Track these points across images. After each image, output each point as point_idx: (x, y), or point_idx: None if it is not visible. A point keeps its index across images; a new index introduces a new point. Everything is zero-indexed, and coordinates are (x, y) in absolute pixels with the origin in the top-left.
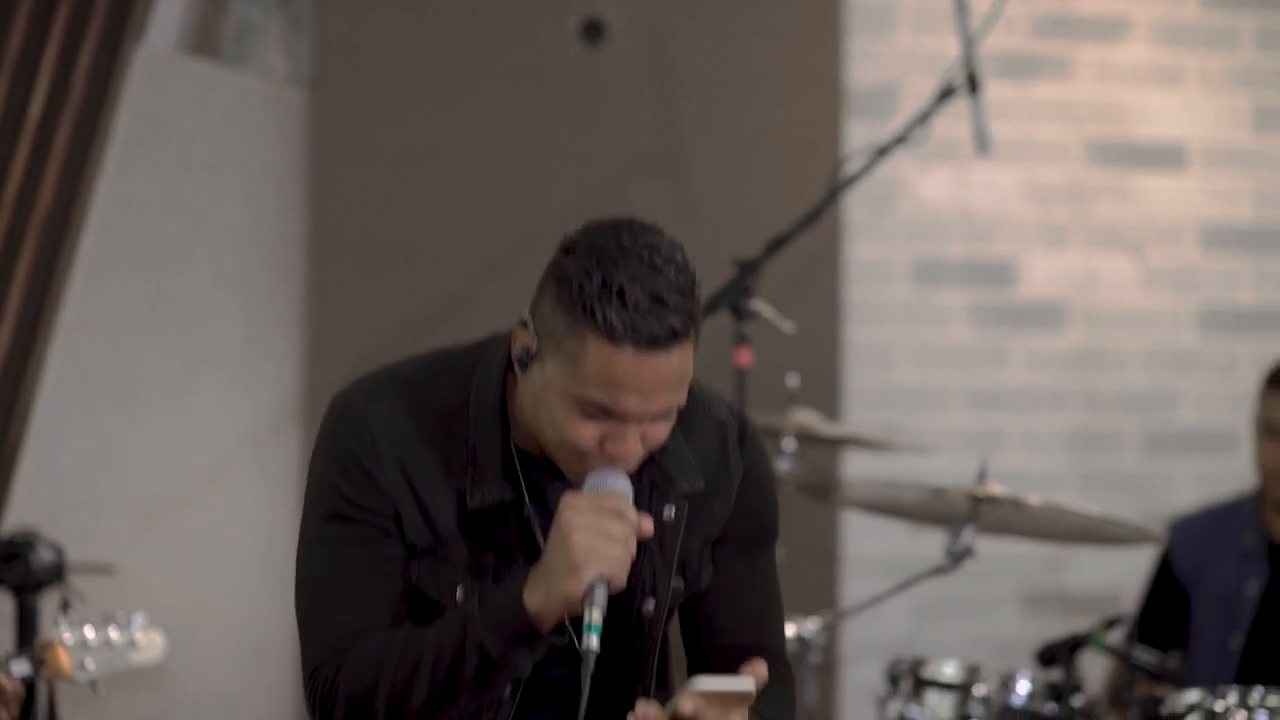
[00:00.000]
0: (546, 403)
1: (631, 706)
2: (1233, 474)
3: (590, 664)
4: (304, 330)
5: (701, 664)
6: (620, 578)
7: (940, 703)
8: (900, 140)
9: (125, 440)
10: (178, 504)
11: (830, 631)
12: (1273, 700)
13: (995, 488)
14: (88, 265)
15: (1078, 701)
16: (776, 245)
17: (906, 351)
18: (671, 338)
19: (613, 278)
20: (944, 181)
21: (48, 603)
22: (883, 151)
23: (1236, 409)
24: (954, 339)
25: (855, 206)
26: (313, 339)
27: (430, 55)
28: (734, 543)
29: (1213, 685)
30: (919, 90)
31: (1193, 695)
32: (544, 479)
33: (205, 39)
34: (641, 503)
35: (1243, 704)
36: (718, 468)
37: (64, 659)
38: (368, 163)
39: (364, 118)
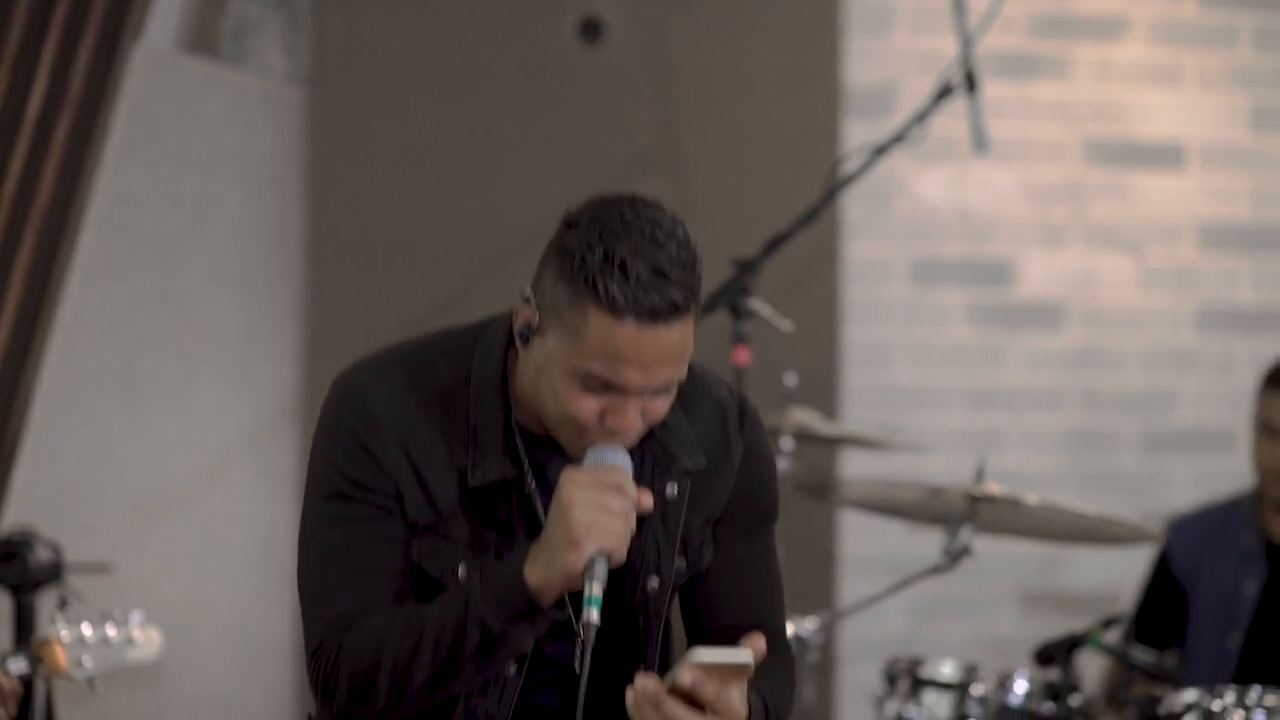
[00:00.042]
0: (548, 376)
1: None
2: (1231, 474)
3: (591, 637)
4: (302, 328)
5: (702, 645)
6: (620, 552)
7: (938, 702)
8: (898, 139)
9: (124, 438)
10: (176, 502)
11: (828, 631)
12: (1270, 700)
13: (993, 487)
14: (86, 263)
15: (1075, 701)
16: (775, 244)
17: (904, 351)
18: (673, 311)
19: (615, 251)
20: (942, 181)
21: (45, 602)
22: (881, 151)
23: (1235, 408)
24: (952, 338)
25: (853, 206)
26: (311, 337)
27: (428, 54)
28: (734, 523)
29: (1210, 685)
30: (917, 90)
31: (1190, 695)
32: (545, 456)
33: (204, 37)
34: (644, 479)
35: (1240, 704)
36: (718, 447)
37: (61, 656)
38: (366, 161)
39: (362, 116)
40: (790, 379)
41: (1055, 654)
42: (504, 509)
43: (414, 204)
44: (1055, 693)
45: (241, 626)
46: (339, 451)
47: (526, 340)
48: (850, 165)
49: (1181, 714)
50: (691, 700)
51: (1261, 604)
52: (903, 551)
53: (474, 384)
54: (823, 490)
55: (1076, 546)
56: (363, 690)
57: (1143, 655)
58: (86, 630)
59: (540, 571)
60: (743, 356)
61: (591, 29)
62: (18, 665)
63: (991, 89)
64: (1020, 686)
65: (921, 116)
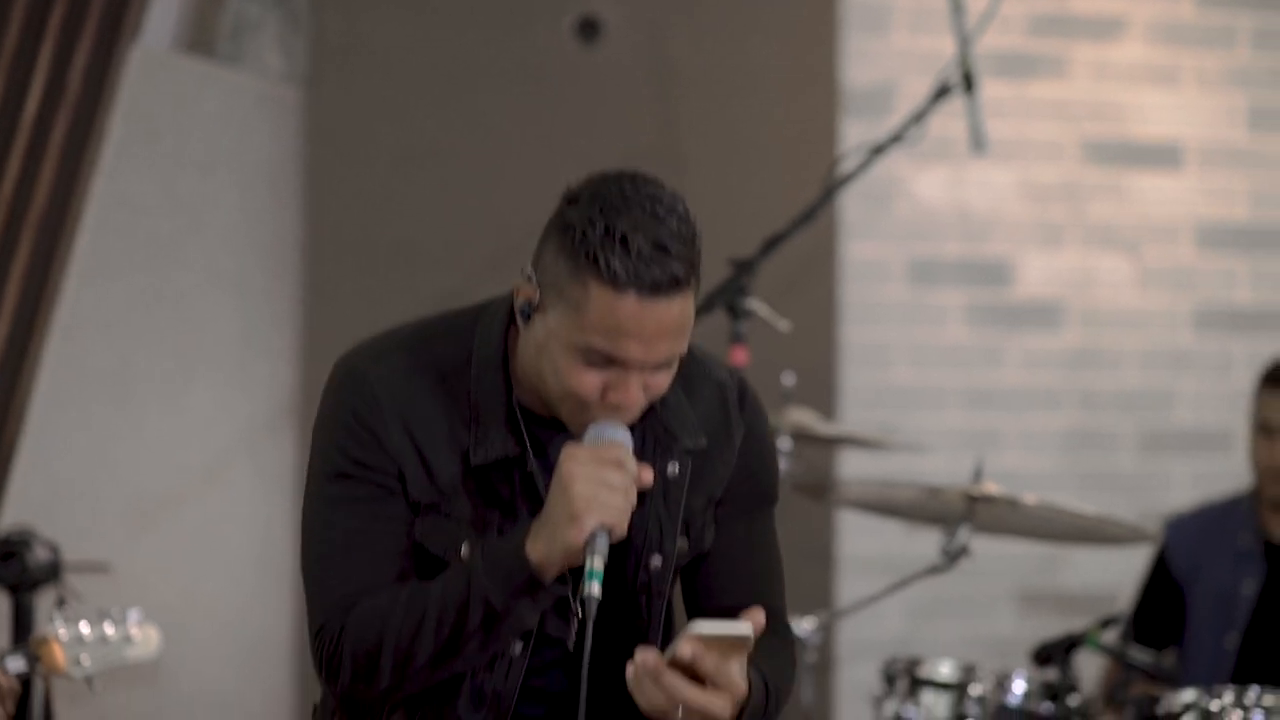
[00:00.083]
0: (549, 353)
1: None
2: (1229, 474)
3: (592, 610)
4: (299, 329)
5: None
6: (621, 526)
7: (936, 702)
8: (896, 139)
9: (121, 439)
10: (173, 502)
11: (826, 631)
12: (1268, 700)
13: (991, 487)
14: (83, 264)
15: (1073, 701)
16: (772, 244)
17: (902, 351)
18: (674, 285)
19: (616, 225)
20: (940, 181)
21: (44, 601)
22: (878, 150)
23: (1233, 408)
24: (950, 338)
25: (851, 206)
26: (308, 338)
27: (426, 54)
28: (734, 504)
29: (1208, 684)
30: (915, 89)
31: (1188, 695)
32: (546, 435)
33: (201, 37)
34: (645, 458)
35: (1238, 703)
36: (719, 427)
37: (59, 655)
38: (363, 161)
39: (360, 116)
40: (788, 379)
41: (1053, 654)
42: (506, 487)
43: (412, 204)
44: (1053, 693)
45: (238, 626)
46: (341, 432)
47: (528, 318)
48: (848, 165)
49: (1180, 714)
50: (691, 674)
51: (1260, 604)
52: (901, 551)
53: (475, 363)
54: (821, 490)
55: (1074, 546)
56: (366, 669)
57: (1141, 655)
58: (84, 629)
59: (542, 547)
60: (740, 356)
61: (590, 29)
62: (16, 664)
63: (989, 89)
64: (1018, 686)
65: (919, 116)
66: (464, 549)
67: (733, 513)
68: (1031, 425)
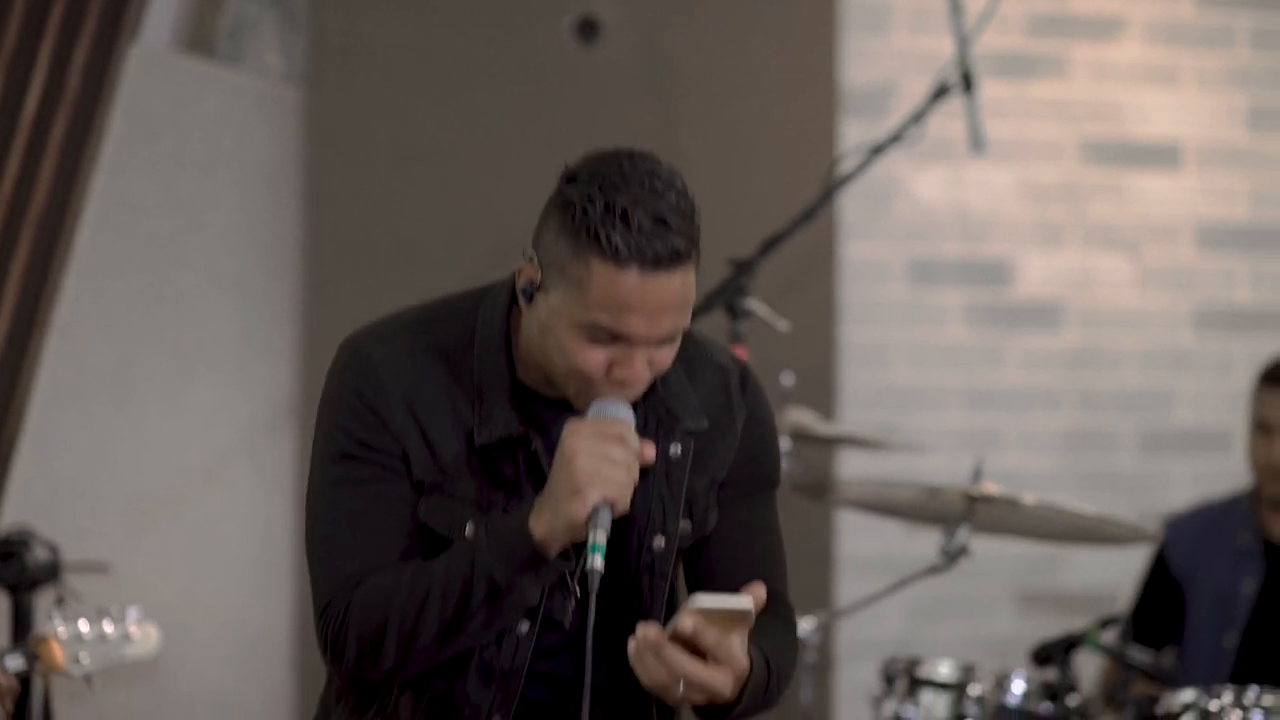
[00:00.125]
0: (554, 332)
1: None
2: (1229, 474)
3: (595, 583)
4: (299, 328)
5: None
6: (623, 501)
7: (935, 702)
8: (895, 139)
9: (120, 438)
10: (173, 502)
11: (825, 631)
12: (1268, 700)
13: (991, 487)
14: (83, 263)
15: (1073, 701)
16: (771, 244)
17: (902, 351)
18: (675, 258)
19: (615, 201)
20: (939, 181)
21: (43, 601)
22: (878, 150)
23: (1232, 408)
24: (949, 338)
25: (850, 206)
26: (308, 337)
27: (426, 53)
28: (736, 487)
29: (1207, 684)
30: (914, 89)
31: (1188, 695)
32: (549, 414)
33: (200, 36)
34: (647, 438)
35: (1238, 703)
36: (721, 410)
37: (58, 653)
38: (363, 161)
39: (359, 115)
40: (787, 379)
41: (1053, 654)
42: (510, 467)
43: (411, 204)
44: (1053, 693)
45: (238, 625)
46: (345, 413)
47: (530, 298)
48: (847, 165)
49: (1179, 714)
50: (693, 648)
51: (1259, 603)
52: (900, 551)
53: (478, 344)
54: (820, 490)
55: (1074, 546)
56: (371, 648)
57: (1140, 655)
58: (83, 627)
59: (545, 522)
60: (740, 356)
61: (589, 29)
62: (14, 663)
63: (989, 89)
64: (1018, 686)
65: (919, 116)
66: (468, 528)
67: (734, 496)
68: (1031, 425)
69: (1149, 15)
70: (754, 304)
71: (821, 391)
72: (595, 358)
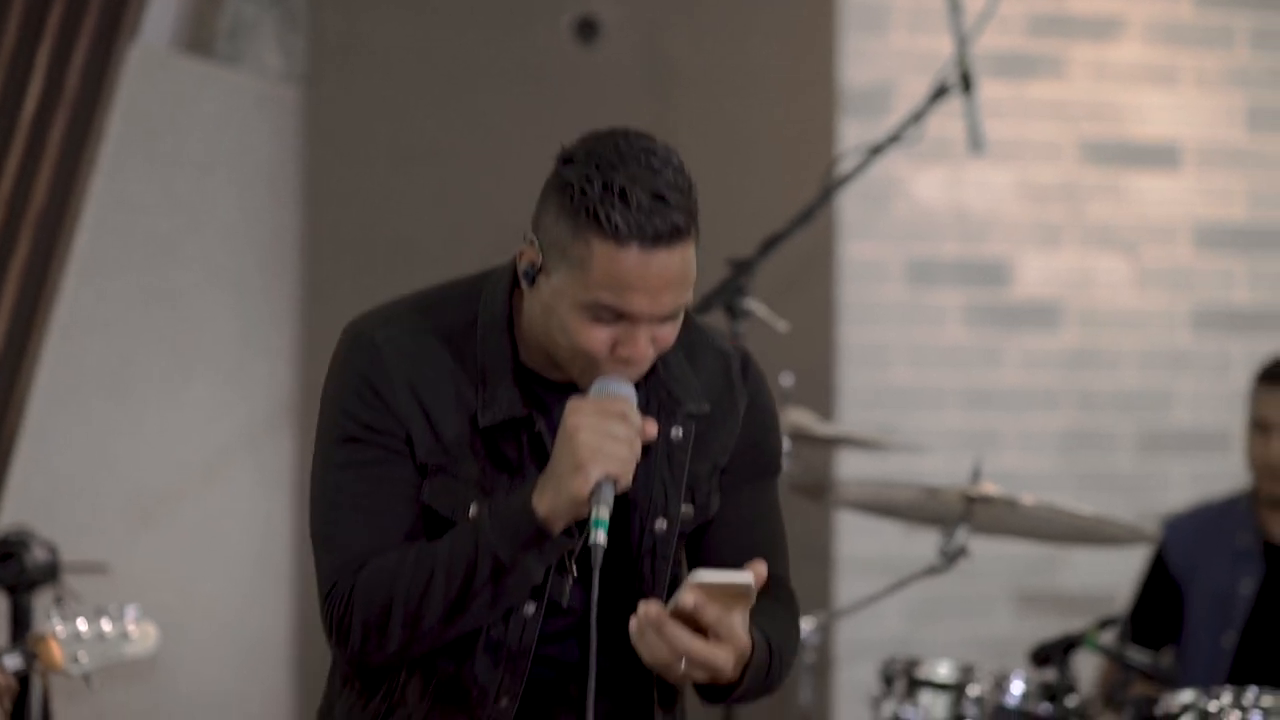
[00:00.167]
0: (557, 313)
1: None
2: (1227, 474)
3: (598, 558)
4: (298, 328)
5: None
6: (626, 477)
7: (934, 703)
8: (894, 139)
9: (119, 438)
10: (172, 501)
11: (824, 631)
12: (1267, 700)
13: (989, 487)
14: (82, 262)
15: (1072, 702)
16: (771, 244)
17: (901, 351)
18: (675, 234)
19: (613, 180)
20: (938, 181)
21: (42, 601)
22: (877, 151)
23: (1231, 409)
24: (948, 339)
25: (850, 206)
26: (307, 337)
27: (425, 53)
28: (738, 474)
29: (1206, 683)
30: (913, 89)
31: (1187, 695)
32: (553, 396)
33: (199, 36)
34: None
35: (1237, 704)
36: (722, 395)
37: (56, 652)
38: (362, 160)
39: (358, 115)
40: (786, 379)
41: (1052, 654)
42: (514, 448)
43: (410, 203)
44: (1052, 693)
45: (237, 625)
46: (349, 395)
47: (532, 281)
48: (846, 165)
49: (1178, 714)
50: (695, 627)
51: (1257, 603)
52: (899, 552)
53: (480, 327)
54: (819, 491)
55: (1073, 547)
56: (377, 629)
57: (1139, 656)
58: (82, 626)
59: (548, 499)
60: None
61: (588, 28)
62: (13, 662)
63: (988, 89)
64: (1017, 687)
65: (918, 116)
66: (472, 510)
67: (736, 482)
68: (1030, 425)
69: (1148, 15)
70: (753, 304)
71: (820, 392)
72: (599, 337)
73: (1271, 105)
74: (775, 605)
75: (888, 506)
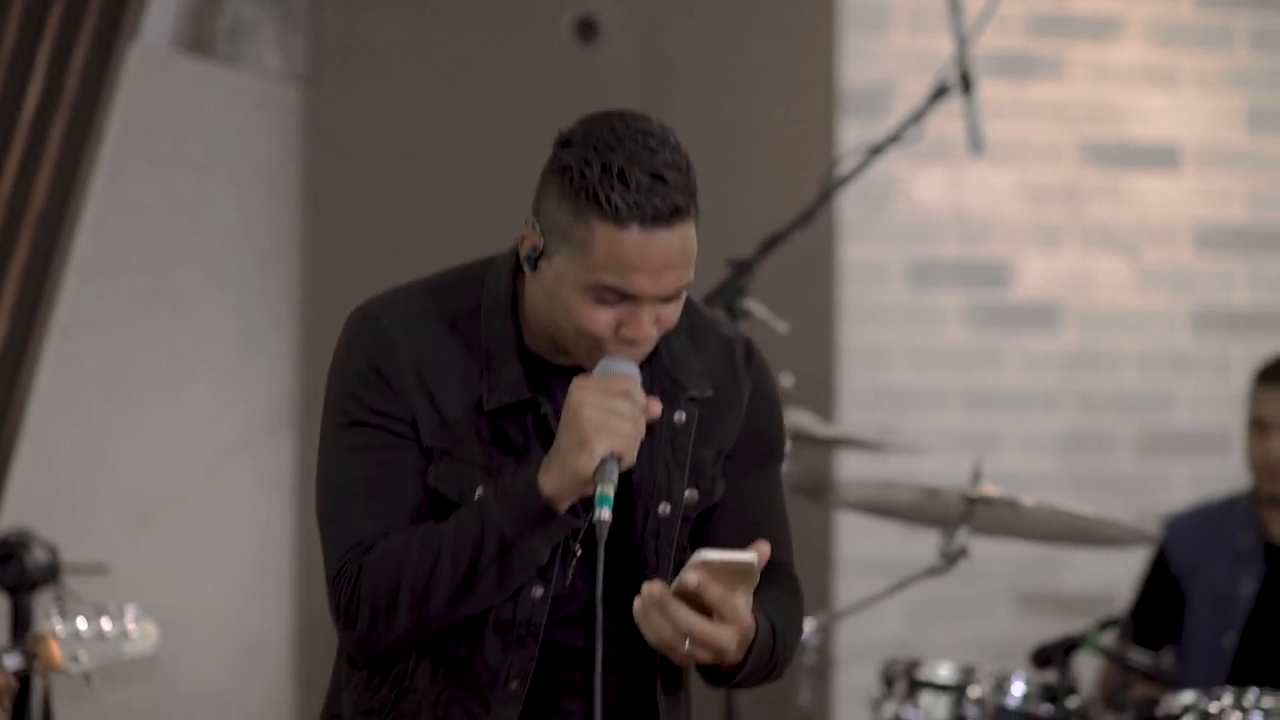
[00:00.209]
0: (560, 297)
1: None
2: (1228, 475)
3: (603, 534)
4: (299, 329)
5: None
6: (630, 454)
7: (935, 704)
8: (894, 140)
9: (120, 439)
10: (173, 502)
11: (825, 633)
12: (1268, 701)
13: (990, 489)
14: (82, 263)
15: (1073, 703)
16: (770, 245)
17: (901, 352)
18: (675, 213)
19: (612, 162)
20: (938, 182)
21: (43, 603)
22: (877, 151)
23: (1231, 410)
24: (949, 340)
25: (849, 207)
26: (307, 337)
27: (425, 53)
28: (742, 460)
29: (1206, 683)
30: (913, 90)
31: (1187, 697)
32: (557, 380)
33: (199, 36)
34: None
35: (1238, 705)
36: (726, 380)
37: (56, 652)
38: (362, 160)
39: (359, 115)
40: (787, 380)
41: (1052, 656)
42: (519, 432)
43: (411, 204)
44: (1052, 694)
45: (237, 626)
46: (355, 379)
47: (534, 265)
48: (846, 166)
49: (1179, 716)
50: (698, 607)
51: (1258, 604)
52: (900, 553)
53: (485, 312)
54: (819, 492)
55: (1073, 548)
56: (385, 612)
57: (1140, 657)
58: (81, 625)
59: (553, 477)
60: None
61: (588, 29)
62: (13, 661)
63: (988, 89)
64: (1017, 688)
65: (917, 117)
66: (478, 493)
67: (739, 469)
68: (1030, 427)
69: (1148, 16)
70: (753, 305)
71: (820, 393)
72: (602, 318)
73: (1272, 106)
74: (779, 591)
75: (888, 508)
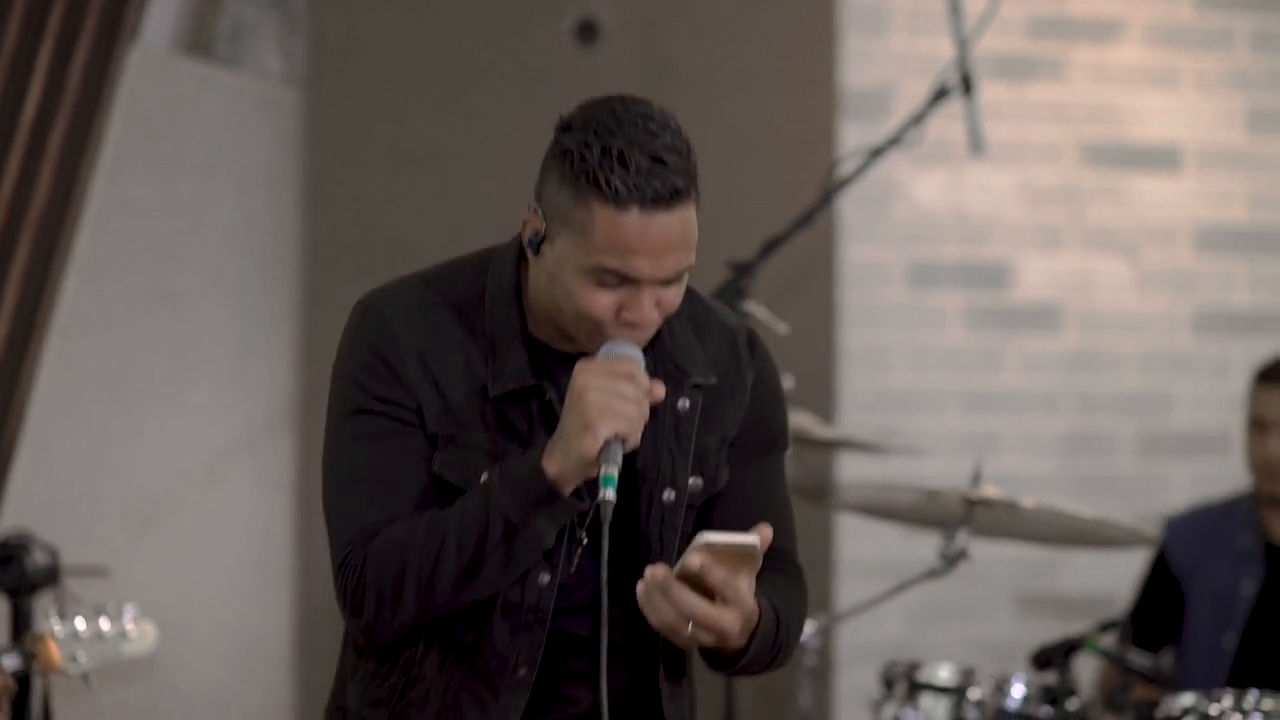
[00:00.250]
0: (561, 280)
1: None
2: (1228, 476)
3: (608, 514)
4: (299, 330)
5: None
6: (634, 436)
7: (935, 706)
8: (895, 142)
9: (120, 441)
10: (173, 505)
11: (825, 635)
12: (1268, 704)
13: (990, 490)
14: (82, 265)
15: (1073, 705)
16: (771, 247)
17: (901, 354)
18: (675, 195)
19: (611, 145)
20: (938, 183)
21: (42, 605)
22: (877, 153)
23: (1231, 411)
24: (949, 341)
25: (850, 208)
26: (307, 339)
27: (425, 55)
28: (745, 448)
29: (1206, 684)
30: (913, 92)
31: (1188, 699)
32: (561, 367)
33: (199, 38)
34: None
35: (1238, 708)
36: (729, 368)
37: (55, 652)
38: (363, 163)
39: (359, 117)
40: (787, 382)
41: (1053, 658)
42: (524, 418)
43: (411, 206)
44: (1052, 696)
45: (237, 628)
46: (359, 368)
47: (537, 249)
48: (847, 168)
49: (1179, 718)
50: (701, 589)
51: (1258, 604)
52: (900, 555)
53: (489, 299)
54: (820, 494)
55: (1073, 550)
56: (391, 598)
57: (1140, 659)
58: (80, 625)
59: (558, 459)
60: None
61: (588, 31)
62: (11, 662)
63: (988, 91)
64: (1017, 690)
65: (918, 119)
66: (484, 479)
67: (743, 456)
68: (1030, 428)
69: (1148, 17)
70: (753, 307)
71: (821, 395)
72: (603, 301)
73: (1272, 107)
74: (783, 579)
75: (888, 509)
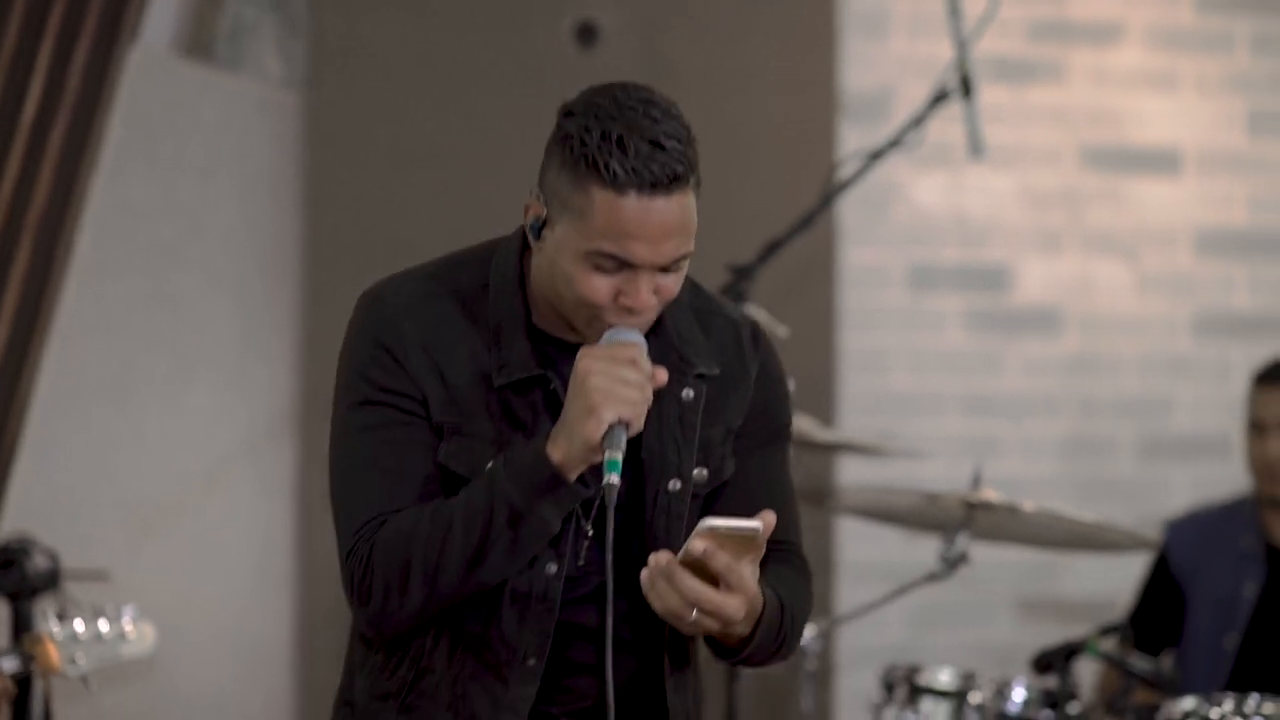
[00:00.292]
0: (560, 264)
1: None
2: (1228, 479)
3: (612, 499)
4: (299, 333)
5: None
6: (638, 421)
7: (935, 710)
8: (894, 144)
9: (120, 444)
10: (173, 508)
11: (825, 638)
12: (1268, 708)
13: (990, 494)
14: (83, 267)
15: (1073, 708)
16: (771, 250)
17: (901, 357)
18: (673, 180)
19: (611, 130)
20: (938, 186)
21: (42, 608)
22: (877, 156)
23: (1231, 414)
24: (949, 344)
25: (849, 211)
26: (308, 341)
27: (425, 57)
28: (749, 439)
29: (1207, 686)
30: (913, 94)
31: (1188, 702)
32: (565, 357)
33: (199, 40)
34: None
35: (1238, 711)
36: (733, 359)
37: (54, 654)
38: (363, 165)
39: (359, 119)
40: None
41: (1053, 661)
42: (528, 408)
43: (411, 207)
44: (1053, 700)
45: (237, 631)
46: (364, 359)
47: (538, 234)
48: (846, 170)
49: None
50: (705, 576)
51: (1259, 606)
52: (900, 559)
53: (493, 289)
54: (820, 497)
55: (1073, 553)
56: (398, 587)
57: (1141, 663)
58: (79, 627)
59: (562, 445)
60: None
61: (588, 33)
62: (10, 664)
63: (988, 94)
64: (1018, 694)
65: (918, 121)
66: (489, 467)
67: (748, 447)
68: (1030, 431)
69: (1148, 20)
70: (753, 310)
71: (821, 398)
72: (601, 286)
73: (1272, 110)
74: (788, 570)
75: (888, 513)
